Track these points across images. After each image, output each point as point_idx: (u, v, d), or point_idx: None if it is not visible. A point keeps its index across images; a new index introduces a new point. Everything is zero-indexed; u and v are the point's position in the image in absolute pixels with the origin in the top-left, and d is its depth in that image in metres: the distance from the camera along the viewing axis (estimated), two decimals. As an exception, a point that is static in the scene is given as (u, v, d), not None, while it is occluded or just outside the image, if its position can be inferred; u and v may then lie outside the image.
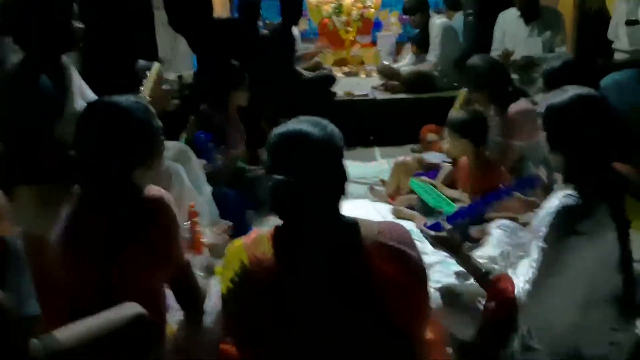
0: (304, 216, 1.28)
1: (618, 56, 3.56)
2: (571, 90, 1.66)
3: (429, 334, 1.50)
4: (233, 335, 1.41)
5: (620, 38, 3.55)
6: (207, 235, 2.21)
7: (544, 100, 1.73)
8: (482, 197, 2.22)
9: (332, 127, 1.30)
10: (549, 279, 1.59)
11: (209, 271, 1.91)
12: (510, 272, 1.86)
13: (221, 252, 2.28)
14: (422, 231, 1.82)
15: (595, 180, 1.60)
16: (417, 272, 1.33)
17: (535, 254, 1.62)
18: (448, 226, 1.80)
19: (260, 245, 1.28)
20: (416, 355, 1.35)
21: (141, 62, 2.74)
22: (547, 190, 2.28)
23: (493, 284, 1.69)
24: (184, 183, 2.22)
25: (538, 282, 1.60)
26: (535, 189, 2.06)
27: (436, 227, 1.82)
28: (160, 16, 4.22)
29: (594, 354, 1.61)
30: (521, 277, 1.67)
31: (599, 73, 3.20)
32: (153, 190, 1.49)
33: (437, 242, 1.81)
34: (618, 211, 1.57)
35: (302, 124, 1.28)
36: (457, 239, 1.79)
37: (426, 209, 3.01)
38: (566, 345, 1.62)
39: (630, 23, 3.41)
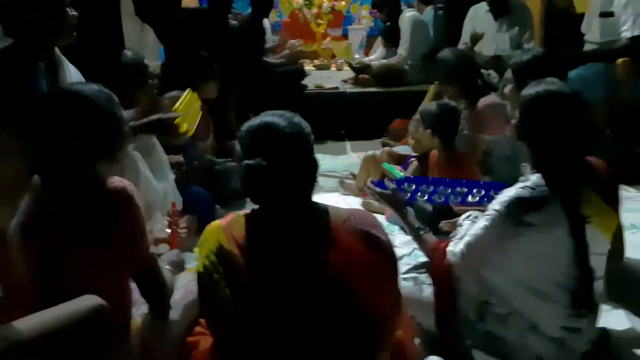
0: (276, 199, 1.33)
1: (589, 48, 3.60)
2: (545, 83, 1.69)
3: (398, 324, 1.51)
4: (206, 315, 1.43)
5: (593, 30, 3.61)
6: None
7: (511, 92, 1.77)
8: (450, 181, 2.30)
9: (299, 119, 1.37)
10: (485, 255, 1.68)
11: (177, 266, 1.88)
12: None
13: (186, 246, 2.27)
14: (368, 187, 2.09)
15: (555, 173, 1.64)
16: (387, 254, 1.38)
17: (478, 225, 1.71)
18: (392, 185, 2.09)
19: (237, 226, 1.35)
20: (385, 340, 1.38)
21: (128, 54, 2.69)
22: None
23: (428, 245, 1.87)
24: (139, 173, 2.15)
25: (472, 253, 1.70)
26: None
27: (381, 185, 2.09)
28: (126, 5, 4.13)
29: (551, 335, 1.65)
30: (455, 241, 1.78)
31: (567, 66, 3.26)
32: (116, 181, 1.45)
33: (382, 198, 2.08)
34: (571, 207, 1.61)
35: (271, 116, 1.35)
36: (399, 198, 2.06)
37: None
38: (523, 319, 1.67)
39: (604, 15, 3.46)
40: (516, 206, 1.61)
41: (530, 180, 1.65)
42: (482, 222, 1.69)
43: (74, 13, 2.03)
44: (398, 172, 3.06)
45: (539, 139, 1.67)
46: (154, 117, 2.15)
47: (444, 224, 2.48)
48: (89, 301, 1.27)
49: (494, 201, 1.71)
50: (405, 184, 2.27)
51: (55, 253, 1.41)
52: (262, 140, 1.31)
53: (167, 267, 1.76)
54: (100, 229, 1.41)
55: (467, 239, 1.72)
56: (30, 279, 1.42)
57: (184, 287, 1.67)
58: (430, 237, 1.92)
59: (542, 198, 1.60)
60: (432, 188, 2.34)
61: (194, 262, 2.26)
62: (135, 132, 2.12)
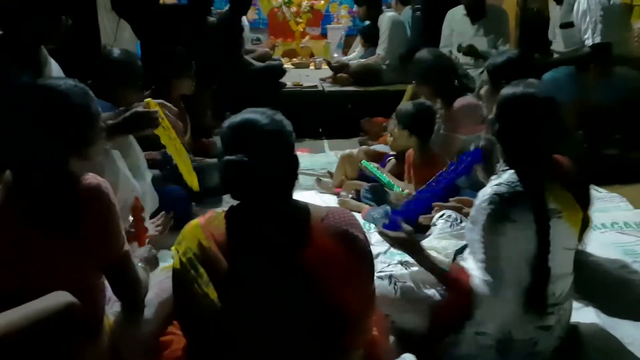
0: (256, 196, 1.34)
1: (555, 57, 3.69)
2: (523, 84, 1.72)
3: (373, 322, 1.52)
4: (179, 313, 1.43)
5: (557, 40, 3.69)
6: (149, 228, 2.15)
7: (487, 94, 1.78)
8: (429, 186, 2.28)
9: (281, 117, 1.38)
10: (495, 266, 1.65)
11: (150, 262, 1.86)
12: (461, 263, 1.90)
13: (161, 244, 2.25)
14: (380, 233, 1.82)
15: (528, 170, 1.66)
16: (363, 252, 1.40)
17: (478, 244, 1.67)
18: (408, 228, 1.80)
19: (216, 224, 1.36)
20: (359, 338, 1.40)
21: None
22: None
23: (450, 277, 1.73)
24: (119, 171, 2.13)
25: (488, 271, 1.65)
26: (480, 163, 2.11)
27: (393, 226, 1.81)
28: (102, 0, 4.08)
29: (524, 338, 1.68)
30: (473, 267, 1.72)
31: (540, 70, 3.32)
32: (90, 177, 1.43)
33: (397, 243, 1.81)
34: (536, 203, 1.63)
35: (253, 113, 1.36)
36: (416, 240, 1.81)
37: (374, 193, 3.06)
38: (502, 329, 1.69)
39: (564, 26, 3.55)
40: (497, 202, 1.62)
41: (503, 177, 1.67)
42: (478, 238, 1.66)
43: (69, 21, 2.03)
44: (376, 169, 3.09)
45: (514, 136, 1.69)
46: (128, 113, 2.12)
47: (422, 219, 2.51)
48: (59, 298, 1.26)
49: (473, 211, 1.70)
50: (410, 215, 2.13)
51: (26, 249, 1.39)
52: (244, 136, 1.32)
53: (141, 264, 1.75)
54: (73, 225, 1.39)
55: (479, 264, 1.67)
56: (1, 276, 1.41)
57: (158, 285, 1.66)
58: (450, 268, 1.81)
59: (518, 193, 1.62)
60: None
61: (169, 259, 2.26)
62: (114, 132, 2.11)
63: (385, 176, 3.01)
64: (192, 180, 2.33)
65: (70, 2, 2.09)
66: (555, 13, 3.67)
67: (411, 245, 1.79)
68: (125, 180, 2.18)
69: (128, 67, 2.62)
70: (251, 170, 1.30)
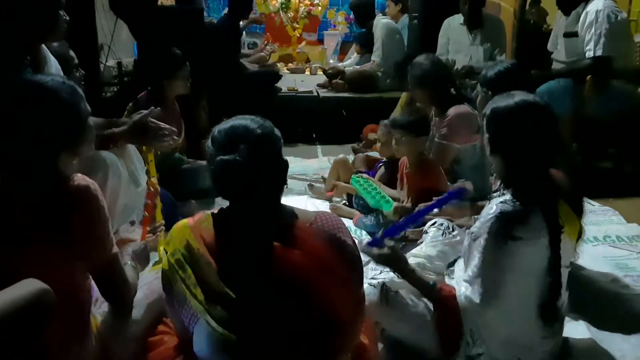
0: (246, 196, 1.37)
1: (556, 66, 3.70)
2: (517, 95, 1.68)
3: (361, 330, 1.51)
4: (171, 313, 1.42)
5: (558, 49, 3.70)
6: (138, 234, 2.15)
7: (481, 104, 1.76)
8: (416, 211, 2.25)
9: (269, 123, 1.42)
10: (492, 286, 1.61)
11: (142, 259, 1.84)
12: (447, 279, 1.88)
13: (153, 248, 2.24)
14: (363, 251, 1.77)
15: (532, 185, 1.63)
16: (351, 257, 1.41)
17: (476, 260, 1.63)
18: (390, 243, 1.79)
19: (204, 225, 1.37)
20: (347, 343, 1.39)
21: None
22: (475, 199, 2.34)
23: (437, 294, 1.71)
24: (121, 175, 2.14)
25: (482, 289, 1.62)
26: (463, 199, 2.11)
27: (377, 242, 1.80)
28: (100, 0, 4.08)
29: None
30: (461, 282, 1.70)
31: (536, 82, 3.33)
32: (79, 179, 1.41)
33: (381, 260, 1.80)
34: (551, 217, 1.60)
35: (242, 119, 1.40)
36: (401, 256, 1.80)
37: (365, 207, 3.05)
38: (507, 352, 1.66)
39: (568, 35, 3.56)
40: (503, 221, 1.58)
41: (507, 195, 1.64)
42: (478, 255, 1.63)
43: (66, 17, 2.03)
44: (364, 189, 3.04)
45: (514, 152, 1.65)
46: (132, 120, 2.13)
47: (410, 232, 2.49)
48: (29, 285, 1.23)
49: (475, 227, 1.66)
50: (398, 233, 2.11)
51: (13, 248, 1.37)
52: (236, 138, 1.35)
53: (131, 262, 1.72)
54: (61, 226, 1.37)
55: (476, 281, 1.64)
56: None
57: (147, 286, 1.64)
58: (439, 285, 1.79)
59: (526, 211, 1.59)
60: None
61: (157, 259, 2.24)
62: (116, 139, 2.12)
63: (372, 195, 2.97)
64: (159, 215, 2.33)
65: (69, 1, 2.08)
66: (560, 22, 3.69)
67: (396, 261, 1.78)
68: (127, 184, 2.19)
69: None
70: (243, 170, 1.32)
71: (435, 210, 2.03)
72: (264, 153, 1.36)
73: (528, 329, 1.65)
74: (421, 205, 2.36)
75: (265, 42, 5.71)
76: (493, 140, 1.69)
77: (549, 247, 1.60)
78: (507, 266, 1.59)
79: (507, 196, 1.63)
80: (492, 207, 1.62)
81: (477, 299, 1.63)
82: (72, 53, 2.56)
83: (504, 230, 1.58)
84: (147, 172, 2.28)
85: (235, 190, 1.37)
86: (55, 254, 1.39)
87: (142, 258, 1.84)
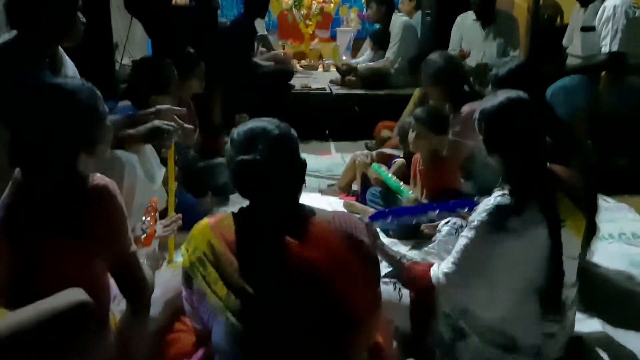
0: (266, 194, 1.39)
1: (572, 61, 3.68)
2: (501, 95, 1.73)
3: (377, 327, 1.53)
4: (190, 310, 1.45)
5: (574, 44, 3.68)
6: (157, 228, 2.18)
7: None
8: (429, 204, 2.28)
9: (286, 124, 1.45)
10: (474, 267, 1.67)
11: (155, 261, 1.88)
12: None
13: (166, 243, 2.27)
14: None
15: (529, 180, 1.67)
16: (368, 256, 1.43)
17: (461, 240, 1.69)
18: (366, 219, 1.93)
19: (226, 225, 1.39)
20: (363, 341, 1.41)
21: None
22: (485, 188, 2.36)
23: (408, 270, 1.80)
24: (137, 175, 2.16)
25: (461, 268, 1.68)
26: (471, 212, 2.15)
27: (379, 215, 1.96)
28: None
29: (529, 344, 1.68)
30: (438, 261, 1.75)
31: (550, 78, 3.32)
32: (97, 178, 1.44)
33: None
34: (549, 209, 1.64)
35: (259, 121, 1.43)
36: (373, 229, 1.90)
37: (379, 204, 3.06)
38: (500, 334, 1.69)
39: (585, 29, 3.54)
40: (497, 213, 1.63)
41: (506, 188, 1.68)
42: (465, 237, 1.69)
43: (83, 20, 2.06)
44: (386, 174, 3.08)
45: (506, 149, 1.70)
46: (150, 125, 2.17)
47: (425, 227, 2.50)
48: (73, 296, 1.27)
49: (473, 213, 1.72)
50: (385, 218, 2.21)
51: (33, 247, 1.40)
52: (255, 139, 1.38)
53: (147, 262, 1.76)
54: (80, 225, 1.40)
55: (451, 258, 1.71)
56: (8, 273, 1.42)
57: (164, 284, 1.67)
58: (409, 262, 1.89)
59: (521, 203, 1.63)
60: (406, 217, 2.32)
61: (179, 258, 2.27)
62: (132, 141, 2.16)
63: (394, 181, 3.00)
64: (171, 206, 2.38)
65: (85, 0, 2.11)
66: (577, 16, 3.66)
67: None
68: (143, 183, 2.22)
69: (163, 75, 2.76)
70: (262, 169, 1.35)
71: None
72: (283, 153, 1.38)
73: (523, 316, 1.67)
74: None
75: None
76: (486, 140, 1.74)
77: (548, 239, 1.63)
78: (497, 255, 1.63)
79: (505, 190, 1.67)
80: (490, 200, 1.68)
81: (449, 270, 1.69)
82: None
83: (499, 220, 1.62)
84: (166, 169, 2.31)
85: (255, 189, 1.39)
86: (75, 251, 1.42)
87: (154, 259, 1.88)
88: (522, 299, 1.67)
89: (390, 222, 2.00)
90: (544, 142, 1.69)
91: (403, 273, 1.84)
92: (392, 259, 1.88)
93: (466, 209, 2.07)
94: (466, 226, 1.73)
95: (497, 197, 1.67)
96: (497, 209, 1.64)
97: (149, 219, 2.13)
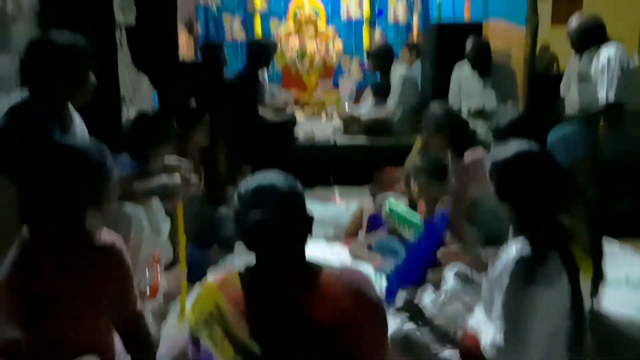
0: (274, 251, 1.38)
1: (570, 110, 3.73)
2: (514, 145, 1.74)
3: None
4: None
5: (571, 92, 3.74)
6: (161, 282, 2.18)
7: (489, 155, 1.81)
8: (416, 245, 2.27)
9: (292, 178, 1.45)
10: (516, 330, 1.61)
11: (161, 317, 1.87)
12: (470, 325, 1.87)
13: (174, 297, 2.26)
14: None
15: (544, 230, 1.65)
16: (377, 312, 1.40)
17: (499, 305, 1.64)
18: (405, 296, 1.83)
19: (233, 285, 1.38)
20: None
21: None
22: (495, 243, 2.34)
23: (461, 344, 1.72)
24: (143, 229, 2.18)
25: (508, 335, 1.62)
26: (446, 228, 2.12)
27: (391, 294, 1.83)
28: (123, 54, 4.22)
29: None
30: (484, 329, 1.69)
31: (550, 128, 3.36)
32: (104, 235, 1.45)
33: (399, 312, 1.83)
34: (568, 258, 1.62)
35: (266, 175, 1.43)
36: (417, 308, 1.82)
37: (386, 251, 3.06)
38: None
39: (581, 79, 3.60)
40: (523, 266, 1.60)
41: (522, 240, 1.66)
42: (501, 301, 1.63)
43: (94, 78, 2.11)
44: (406, 210, 3.08)
45: (520, 199, 1.69)
46: (159, 182, 2.20)
47: (430, 274, 2.48)
48: None
49: (498, 272, 1.67)
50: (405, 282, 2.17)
51: (39, 305, 1.40)
52: (263, 195, 1.38)
53: (152, 318, 1.75)
54: (87, 283, 1.41)
55: (497, 325, 1.64)
56: (14, 331, 1.42)
57: (170, 341, 1.66)
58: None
59: (544, 254, 1.61)
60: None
61: (176, 313, 2.26)
62: (139, 196, 2.18)
63: (414, 214, 3.01)
64: (183, 259, 2.37)
65: (95, 58, 2.17)
66: (573, 65, 3.74)
67: (413, 313, 1.84)
68: (150, 237, 2.23)
69: (161, 129, 2.73)
70: (271, 226, 1.35)
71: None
72: (291, 208, 1.38)
73: None
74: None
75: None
76: (498, 190, 1.74)
77: (569, 289, 1.61)
78: (531, 310, 1.59)
79: (524, 240, 1.65)
80: (512, 253, 1.64)
81: (501, 344, 1.62)
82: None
83: (525, 274, 1.59)
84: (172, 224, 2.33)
85: (263, 245, 1.39)
86: (80, 309, 1.42)
87: (159, 313, 1.87)
88: (548, 352, 1.63)
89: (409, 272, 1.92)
90: (555, 191, 1.68)
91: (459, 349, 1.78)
92: (445, 337, 1.82)
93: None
94: (484, 278, 1.69)
95: (518, 249, 1.64)
96: (522, 261, 1.60)
97: (152, 271, 2.12)
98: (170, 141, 2.79)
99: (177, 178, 2.26)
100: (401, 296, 1.85)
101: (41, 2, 2.92)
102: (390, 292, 1.82)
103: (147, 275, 2.17)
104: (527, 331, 1.60)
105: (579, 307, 1.62)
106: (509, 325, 1.61)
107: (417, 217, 3.02)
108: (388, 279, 1.86)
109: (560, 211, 1.73)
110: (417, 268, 2.21)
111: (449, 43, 4.74)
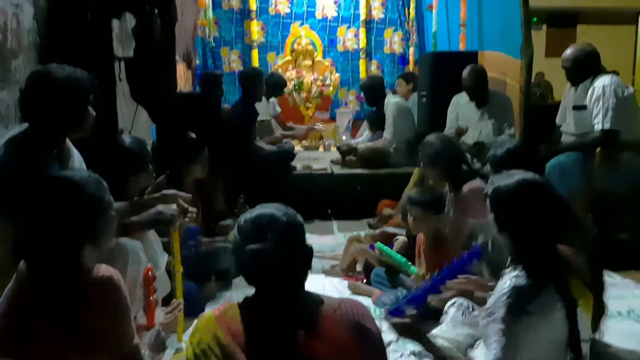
0: (273, 283, 1.39)
1: (566, 138, 3.76)
2: (517, 175, 1.73)
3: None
4: None
5: (567, 121, 3.78)
6: (158, 315, 2.15)
7: (490, 183, 1.81)
8: (435, 275, 2.24)
9: (292, 210, 1.46)
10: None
11: (158, 348, 1.84)
12: (470, 355, 1.85)
13: (170, 329, 2.23)
14: (385, 319, 1.81)
15: (542, 260, 1.65)
16: (375, 345, 1.41)
17: (495, 336, 1.62)
18: (412, 311, 1.79)
19: (232, 317, 1.38)
20: None
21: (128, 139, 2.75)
22: (495, 266, 2.32)
23: None
24: (141, 262, 2.17)
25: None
26: (482, 259, 2.11)
27: (397, 312, 1.79)
28: (122, 87, 4.25)
29: None
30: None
31: (546, 157, 3.38)
32: (102, 270, 1.45)
33: (402, 330, 1.79)
34: (565, 291, 1.61)
35: (266, 208, 1.44)
36: (418, 327, 1.79)
37: (385, 285, 3.04)
38: None
39: (577, 108, 3.64)
40: (517, 296, 1.59)
41: (518, 269, 1.66)
42: (496, 332, 1.61)
43: (93, 113, 2.11)
44: (392, 251, 3.07)
45: (520, 229, 1.68)
46: (154, 210, 2.19)
47: (431, 299, 2.45)
48: None
49: (490, 302, 1.66)
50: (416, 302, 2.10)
51: (37, 341, 1.38)
52: (263, 228, 1.38)
53: (148, 353, 1.72)
54: (84, 319, 1.39)
55: (493, 355, 1.62)
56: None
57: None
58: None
59: (538, 285, 1.60)
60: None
61: (175, 346, 2.23)
62: (134, 228, 2.17)
63: (401, 257, 2.99)
64: (179, 291, 2.37)
65: (95, 93, 2.17)
66: (568, 95, 3.78)
67: (416, 332, 1.78)
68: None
69: (138, 155, 2.64)
70: (271, 258, 1.35)
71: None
72: (291, 241, 1.39)
73: None
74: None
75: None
76: (498, 219, 1.73)
77: (565, 322, 1.59)
78: (526, 341, 1.58)
79: (519, 271, 1.64)
80: (506, 282, 1.64)
81: None
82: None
83: (519, 305, 1.58)
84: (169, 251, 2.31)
85: (263, 277, 1.39)
86: (78, 344, 1.40)
87: (156, 346, 1.84)
88: None
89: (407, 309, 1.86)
90: (555, 222, 1.68)
91: None
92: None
93: (473, 261, 2.01)
94: (481, 310, 1.68)
95: (512, 278, 1.64)
96: (516, 292, 1.59)
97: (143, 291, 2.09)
98: (147, 167, 2.69)
99: (173, 207, 2.25)
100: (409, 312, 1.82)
101: (41, 36, 2.95)
102: (396, 311, 1.78)
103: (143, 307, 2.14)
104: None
105: (575, 341, 1.60)
106: (504, 356, 1.59)
107: (400, 257, 3.01)
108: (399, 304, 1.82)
109: (559, 242, 1.73)
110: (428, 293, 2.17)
111: (445, 71, 4.81)
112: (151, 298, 2.09)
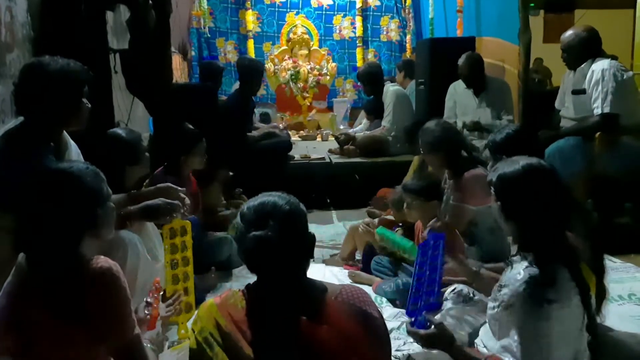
0: (276, 270, 1.38)
1: (565, 123, 3.75)
2: (521, 160, 1.69)
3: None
4: None
5: (567, 106, 3.76)
6: (160, 308, 2.15)
7: (494, 170, 1.77)
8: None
9: (295, 199, 1.46)
10: (538, 353, 1.57)
11: (159, 344, 1.84)
12: (497, 348, 1.82)
13: (170, 323, 2.23)
14: (409, 332, 1.74)
15: (553, 247, 1.62)
16: (379, 331, 1.41)
17: (515, 329, 1.59)
18: (436, 320, 1.72)
19: (233, 304, 1.38)
20: None
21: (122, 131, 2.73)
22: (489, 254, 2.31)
23: None
24: (140, 254, 2.16)
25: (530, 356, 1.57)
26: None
27: (420, 324, 1.72)
28: (118, 79, 4.23)
29: None
30: (504, 353, 1.65)
31: (546, 142, 3.37)
32: (101, 261, 1.44)
33: (428, 342, 1.71)
34: (578, 275, 1.60)
35: (269, 196, 1.44)
36: (449, 334, 1.70)
37: (385, 273, 3.04)
38: None
39: (576, 92, 3.62)
40: (534, 286, 1.56)
41: (530, 258, 1.63)
42: (516, 325, 1.59)
43: (88, 105, 2.11)
44: (394, 234, 3.06)
45: (528, 216, 1.64)
46: (152, 202, 2.19)
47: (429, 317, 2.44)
48: None
49: (507, 294, 1.63)
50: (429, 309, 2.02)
51: (36, 332, 1.38)
52: (265, 215, 1.39)
53: (150, 345, 1.73)
54: (84, 310, 1.39)
55: (518, 352, 1.59)
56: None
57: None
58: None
59: (554, 272, 1.58)
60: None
61: (176, 337, 2.23)
62: (133, 219, 2.17)
63: (406, 241, 2.99)
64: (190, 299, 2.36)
65: (89, 84, 2.16)
66: (567, 80, 3.76)
67: (445, 339, 1.69)
68: (146, 263, 2.21)
69: (131, 145, 2.62)
70: (274, 245, 1.35)
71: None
72: (293, 228, 1.39)
73: None
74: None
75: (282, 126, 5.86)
76: (504, 207, 1.69)
77: (581, 306, 1.58)
78: (548, 331, 1.55)
79: (530, 260, 1.62)
80: (520, 273, 1.61)
81: None
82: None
83: (537, 294, 1.55)
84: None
85: (266, 265, 1.39)
86: (78, 336, 1.40)
87: (156, 343, 1.84)
88: None
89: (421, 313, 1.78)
90: (564, 209, 1.65)
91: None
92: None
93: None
94: (491, 301, 1.65)
95: (525, 268, 1.61)
96: (533, 282, 1.56)
97: (152, 300, 2.10)
98: (142, 158, 2.66)
99: (172, 197, 2.25)
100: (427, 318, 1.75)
101: (35, 29, 2.93)
102: (418, 323, 1.70)
103: (147, 303, 2.14)
104: (548, 355, 1.56)
105: (592, 325, 1.60)
106: (529, 350, 1.57)
107: (407, 241, 3.00)
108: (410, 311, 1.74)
109: (565, 228, 1.71)
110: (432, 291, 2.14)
111: (442, 57, 4.79)
112: (154, 305, 2.10)
